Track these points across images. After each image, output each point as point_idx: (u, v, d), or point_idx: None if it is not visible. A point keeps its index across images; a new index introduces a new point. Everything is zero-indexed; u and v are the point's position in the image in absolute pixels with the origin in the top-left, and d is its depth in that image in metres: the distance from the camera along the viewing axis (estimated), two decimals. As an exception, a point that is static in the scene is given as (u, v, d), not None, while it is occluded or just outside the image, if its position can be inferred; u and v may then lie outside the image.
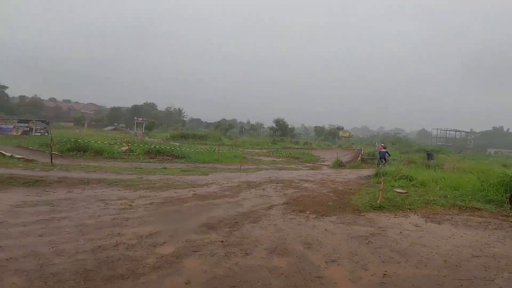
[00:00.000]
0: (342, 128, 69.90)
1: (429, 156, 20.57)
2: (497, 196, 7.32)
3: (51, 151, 11.16)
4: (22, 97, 72.16)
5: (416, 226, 5.19)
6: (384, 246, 4.11)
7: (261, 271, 3.15)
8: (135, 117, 50.25)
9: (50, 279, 2.76)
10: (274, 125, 61.81)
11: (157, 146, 17.97)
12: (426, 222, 5.46)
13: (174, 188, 7.61)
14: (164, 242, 3.85)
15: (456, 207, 6.73)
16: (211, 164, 14.92)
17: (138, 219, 4.80)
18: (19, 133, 22.06)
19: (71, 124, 61.35)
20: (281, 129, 59.52)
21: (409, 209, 6.45)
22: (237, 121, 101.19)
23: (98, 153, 14.12)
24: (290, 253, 3.70)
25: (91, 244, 3.65)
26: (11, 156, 11.49)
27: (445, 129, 68.48)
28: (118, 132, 46.28)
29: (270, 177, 10.89)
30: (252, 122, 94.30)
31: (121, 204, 5.72)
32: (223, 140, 40.58)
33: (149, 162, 13.80)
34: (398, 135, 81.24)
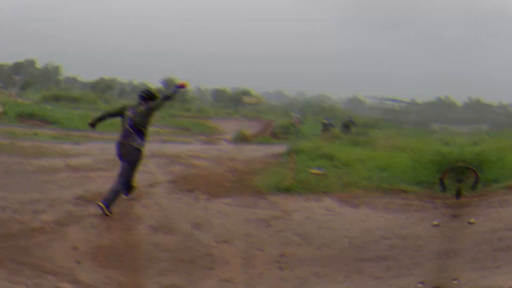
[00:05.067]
0: (249, 93, 67.26)
1: (347, 125, 16.45)
2: (428, 177, 7.31)
3: None
4: None
5: (328, 210, 5.47)
6: (286, 229, 4.35)
7: (146, 246, 3.45)
8: (14, 75, 46.21)
9: None
10: (161, 86, 58.47)
11: (30, 109, 17.20)
12: (341, 206, 5.70)
13: (46, 156, 7.60)
14: (45, 210, 4.05)
15: (381, 189, 6.84)
16: (84, 132, 14.31)
17: (17, 185, 4.92)
18: None
19: None
20: (170, 92, 57.99)
21: (324, 192, 6.55)
22: (119, 81, 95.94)
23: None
24: (176, 232, 3.90)
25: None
26: None
27: (382, 97, 71.60)
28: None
29: (152, 151, 10.19)
30: (136, 82, 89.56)
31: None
32: (99, 103, 38.48)
33: (21, 126, 13.24)
34: (322, 103, 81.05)
